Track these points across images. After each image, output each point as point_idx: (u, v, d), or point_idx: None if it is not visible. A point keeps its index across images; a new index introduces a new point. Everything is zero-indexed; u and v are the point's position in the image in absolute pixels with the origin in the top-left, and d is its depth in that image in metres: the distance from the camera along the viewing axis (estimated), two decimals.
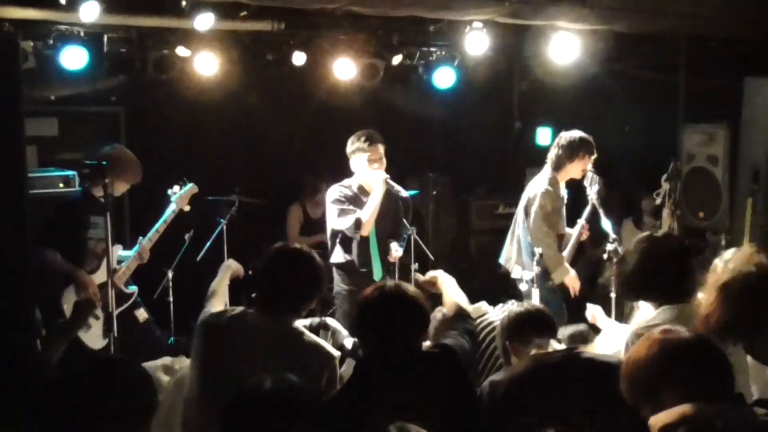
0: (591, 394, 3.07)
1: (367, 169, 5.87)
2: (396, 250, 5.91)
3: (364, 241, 5.93)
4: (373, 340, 3.24)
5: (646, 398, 2.51)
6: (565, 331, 4.46)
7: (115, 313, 4.90)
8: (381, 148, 5.89)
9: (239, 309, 3.58)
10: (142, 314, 5.85)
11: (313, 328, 3.97)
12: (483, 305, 4.55)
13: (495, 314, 4.40)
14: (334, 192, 5.98)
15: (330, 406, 3.11)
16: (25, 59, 5.93)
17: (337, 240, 6.02)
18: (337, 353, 3.47)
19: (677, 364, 2.50)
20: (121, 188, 5.71)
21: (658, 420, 2.40)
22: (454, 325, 3.73)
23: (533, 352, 3.38)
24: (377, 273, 5.95)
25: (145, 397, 2.55)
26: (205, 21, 5.87)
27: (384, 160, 5.90)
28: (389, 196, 5.97)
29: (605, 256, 5.68)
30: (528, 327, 3.49)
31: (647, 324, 3.43)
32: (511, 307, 3.83)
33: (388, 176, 5.85)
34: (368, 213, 5.82)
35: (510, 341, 3.52)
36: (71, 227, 5.51)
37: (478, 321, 4.31)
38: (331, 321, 4.29)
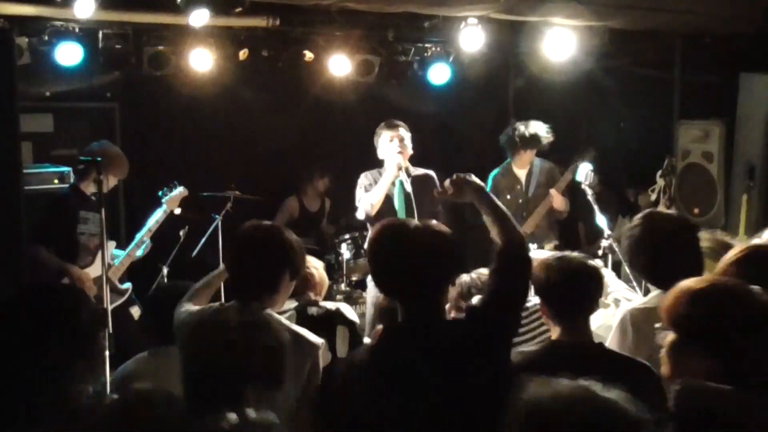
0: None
1: (388, 148, 5.93)
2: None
3: None
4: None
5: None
6: None
7: (110, 308, 4.90)
8: (401, 130, 6.00)
9: (216, 305, 3.45)
10: (136, 311, 5.86)
11: (329, 323, 3.86)
12: None
13: None
14: (361, 180, 6.05)
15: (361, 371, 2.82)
16: (20, 55, 5.92)
17: (368, 226, 6.07)
18: (319, 341, 3.30)
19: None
20: (110, 183, 5.74)
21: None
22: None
23: (557, 332, 3.17)
24: None
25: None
26: (200, 17, 5.86)
27: (406, 144, 5.97)
28: (414, 183, 5.90)
29: (600, 252, 5.69)
30: (562, 302, 3.18)
31: (642, 305, 3.42)
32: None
33: (402, 160, 5.87)
34: (375, 193, 5.86)
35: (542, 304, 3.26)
36: (62, 223, 5.53)
37: None
38: (347, 311, 4.16)
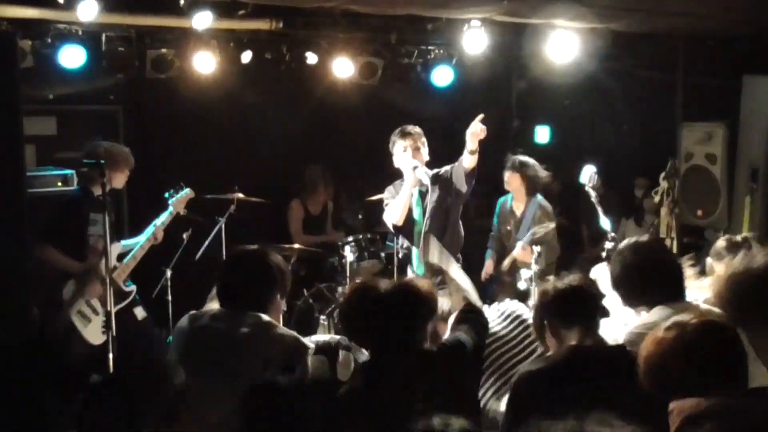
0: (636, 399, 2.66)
1: (401, 159, 5.72)
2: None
3: (409, 236, 5.81)
4: (365, 341, 3.26)
5: (669, 389, 2.42)
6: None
7: (114, 310, 4.90)
8: (416, 139, 5.74)
9: (216, 308, 3.65)
10: (140, 312, 5.89)
11: (330, 348, 3.91)
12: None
13: (490, 315, 4.17)
14: (384, 195, 5.95)
15: (343, 405, 3.07)
16: (24, 58, 5.94)
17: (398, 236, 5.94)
18: (311, 345, 3.52)
19: (698, 348, 2.41)
20: (121, 180, 5.80)
21: (682, 408, 2.33)
22: (466, 317, 3.49)
23: (575, 338, 3.14)
24: (418, 269, 5.72)
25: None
26: (203, 20, 5.87)
27: (421, 150, 5.76)
28: (434, 190, 5.72)
29: (603, 254, 5.68)
30: (573, 306, 3.17)
31: (644, 323, 3.35)
32: (555, 283, 3.33)
33: (418, 164, 5.62)
34: (396, 207, 5.72)
35: (550, 321, 3.22)
36: (72, 225, 5.57)
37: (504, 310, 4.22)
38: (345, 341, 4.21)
